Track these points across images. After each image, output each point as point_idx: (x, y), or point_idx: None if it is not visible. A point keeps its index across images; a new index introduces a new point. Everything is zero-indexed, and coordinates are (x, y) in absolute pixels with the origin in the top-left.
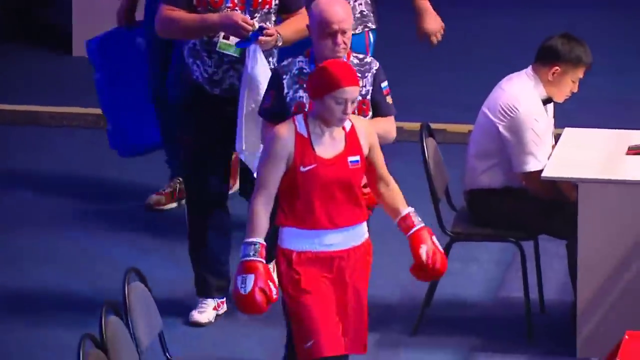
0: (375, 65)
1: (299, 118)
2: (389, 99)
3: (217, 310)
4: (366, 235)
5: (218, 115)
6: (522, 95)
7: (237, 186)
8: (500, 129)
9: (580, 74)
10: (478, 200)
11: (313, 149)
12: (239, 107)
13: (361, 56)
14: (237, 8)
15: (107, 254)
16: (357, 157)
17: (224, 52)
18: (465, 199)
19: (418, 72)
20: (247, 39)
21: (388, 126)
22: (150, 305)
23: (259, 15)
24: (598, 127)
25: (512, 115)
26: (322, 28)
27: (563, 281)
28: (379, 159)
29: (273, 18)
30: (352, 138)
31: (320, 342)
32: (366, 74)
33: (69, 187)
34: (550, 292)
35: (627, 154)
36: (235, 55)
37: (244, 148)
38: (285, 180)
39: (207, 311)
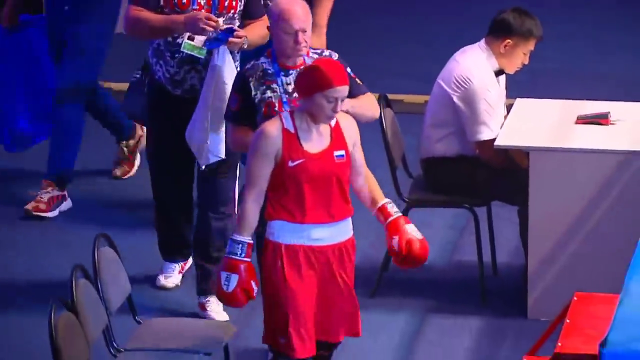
0: (335, 56)
1: (286, 115)
2: (358, 81)
3: (182, 272)
4: (352, 230)
5: (179, 115)
6: (475, 67)
7: None
8: (455, 99)
9: (531, 46)
10: (433, 168)
11: (300, 144)
12: (201, 103)
13: (319, 50)
14: (203, 10)
15: (75, 222)
16: (343, 152)
17: (189, 52)
18: (422, 166)
19: (376, 45)
20: (217, 39)
21: (371, 101)
22: (119, 270)
23: (223, 19)
24: (548, 98)
25: (465, 86)
26: (283, 28)
27: (515, 245)
28: (360, 155)
29: (237, 23)
30: (337, 133)
31: (293, 341)
32: None
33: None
34: (502, 255)
35: (576, 123)
36: (199, 56)
37: (206, 141)
38: (274, 175)
39: (173, 275)
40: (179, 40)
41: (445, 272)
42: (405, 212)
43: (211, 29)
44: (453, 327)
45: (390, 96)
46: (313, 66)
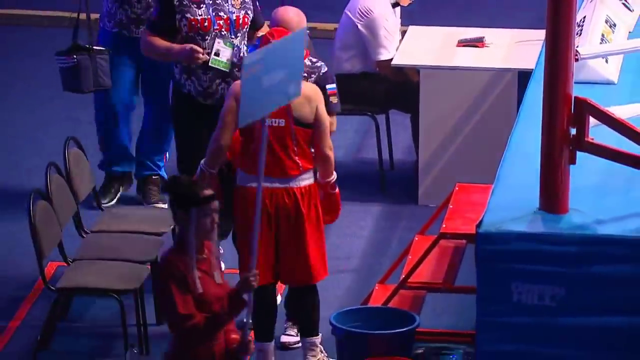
0: (324, 69)
1: None
2: (332, 99)
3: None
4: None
5: (210, 121)
6: (375, 0)
7: None
8: (359, 27)
9: None
10: (342, 82)
11: None
12: None
13: (314, 60)
14: (223, 30)
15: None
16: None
17: (215, 66)
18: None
19: None
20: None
21: (334, 122)
22: (85, 166)
23: (240, 34)
24: (435, 26)
25: (368, 16)
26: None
27: (408, 145)
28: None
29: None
30: None
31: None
32: (312, 75)
33: None
34: (398, 153)
35: (457, 46)
36: (224, 69)
37: None
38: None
39: None
40: (208, 57)
41: (351, 167)
42: None
43: (200, 60)
44: (358, 212)
45: (307, 24)
46: None
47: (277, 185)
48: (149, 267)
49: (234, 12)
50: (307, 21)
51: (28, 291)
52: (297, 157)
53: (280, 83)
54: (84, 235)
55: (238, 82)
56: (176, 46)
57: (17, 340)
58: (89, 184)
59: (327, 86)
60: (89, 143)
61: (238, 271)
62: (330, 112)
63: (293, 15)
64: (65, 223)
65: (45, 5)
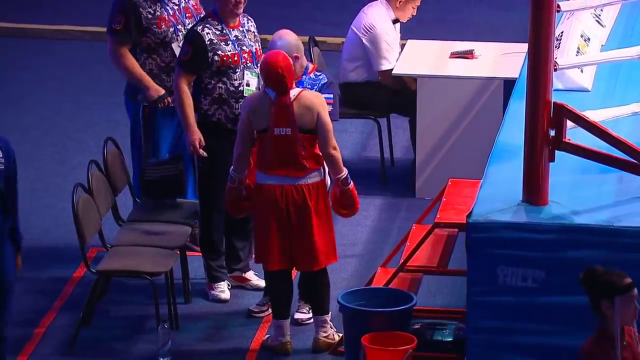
0: (324, 80)
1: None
2: (328, 107)
3: None
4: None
5: (228, 141)
6: (378, 17)
7: None
8: (364, 41)
9: (417, 2)
10: (348, 90)
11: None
12: None
13: (318, 73)
14: (248, 62)
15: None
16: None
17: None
18: (339, 89)
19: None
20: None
21: None
22: (122, 164)
23: (258, 65)
24: (430, 40)
25: (371, 31)
26: None
27: (406, 145)
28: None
29: None
30: None
31: (271, 258)
32: (314, 87)
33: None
34: (397, 152)
35: (450, 57)
36: None
37: None
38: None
39: None
40: (241, 89)
41: (356, 165)
42: None
43: (198, 153)
44: (362, 204)
45: (318, 38)
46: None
47: (287, 183)
48: (178, 252)
49: (252, 45)
50: (318, 36)
51: (71, 273)
52: (304, 160)
53: None
54: (121, 224)
55: (247, 97)
56: (191, 120)
57: (62, 317)
58: (124, 179)
59: (324, 95)
60: (126, 143)
61: (255, 258)
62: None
63: (290, 38)
64: (104, 213)
65: (90, 22)
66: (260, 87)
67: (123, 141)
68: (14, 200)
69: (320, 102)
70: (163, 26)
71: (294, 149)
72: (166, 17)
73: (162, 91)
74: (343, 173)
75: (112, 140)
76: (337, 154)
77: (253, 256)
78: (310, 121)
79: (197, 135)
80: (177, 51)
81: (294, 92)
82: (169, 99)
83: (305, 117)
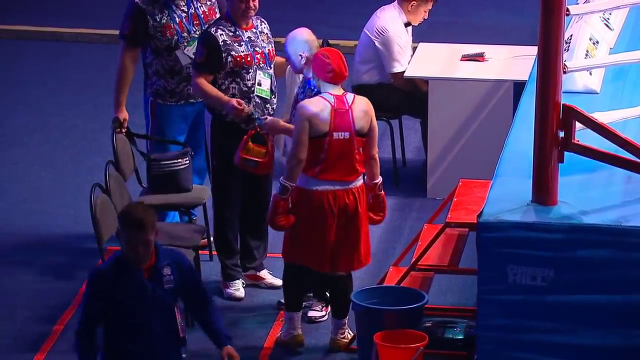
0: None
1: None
2: None
3: None
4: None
5: (241, 141)
6: (390, 20)
7: None
8: (376, 43)
9: (429, 6)
10: (361, 91)
11: None
12: None
13: None
14: (261, 63)
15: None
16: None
17: (260, 95)
18: (352, 90)
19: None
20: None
21: None
22: (130, 150)
23: (272, 65)
24: (441, 43)
25: (384, 34)
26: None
27: (418, 146)
28: None
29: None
30: None
31: (323, 261)
32: (316, 88)
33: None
34: (409, 153)
35: (461, 60)
36: (266, 97)
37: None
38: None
39: None
40: (253, 89)
41: None
42: None
43: (245, 112)
44: None
45: (331, 41)
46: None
47: (339, 187)
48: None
49: (265, 47)
50: (332, 39)
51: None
52: (357, 164)
53: None
54: None
55: (303, 103)
56: (224, 97)
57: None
58: (131, 166)
59: None
60: (142, 143)
61: (285, 256)
62: None
63: (307, 34)
64: None
65: (106, 25)
66: (274, 88)
67: (140, 143)
68: (208, 303)
69: (372, 109)
70: (168, 34)
71: (350, 153)
72: (172, 25)
73: (125, 117)
74: (380, 178)
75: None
76: (378, 158)
77: (281, 254)
78: (365, 125)
79: (233, 100)
80: (181, 58)
81: (349, 96)
82: (122, 128)
83: (362, 121)
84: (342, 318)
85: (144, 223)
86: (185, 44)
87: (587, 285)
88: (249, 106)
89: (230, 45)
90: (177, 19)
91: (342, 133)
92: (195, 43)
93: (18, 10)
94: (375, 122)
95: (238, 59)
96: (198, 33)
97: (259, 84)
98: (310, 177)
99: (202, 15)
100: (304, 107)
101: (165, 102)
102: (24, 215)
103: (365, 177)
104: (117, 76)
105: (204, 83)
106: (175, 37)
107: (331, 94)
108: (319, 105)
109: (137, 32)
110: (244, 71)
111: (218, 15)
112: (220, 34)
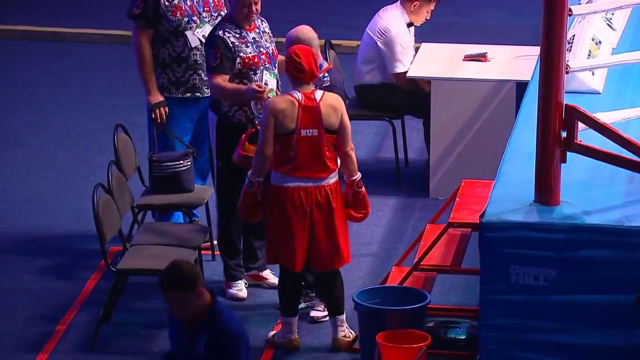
0: (327, 83)
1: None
2: None
3: None
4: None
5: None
6: (392, 21)
7: None
8: (379, 44)
9: (432, 6)
10: (363, 92)
11: None
12: None
13: (326, 75)
14: (266, 63)
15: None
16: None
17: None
18: (355, 91)
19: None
20: None
21: None
22: (132, 149)
23: (276, 65)
24: (444, 43)
25: (386, 35)
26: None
27: (420, 146)
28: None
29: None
30: None
31: (296, 260)
32: (317, 86)
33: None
34: (412, 153)
35: (463, 60)
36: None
37: None
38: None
39: None
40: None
41: (371, 165)
42: None
43: (266, 94)
44: (377, 204)
45: (333, 41)
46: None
47: (311, 184)
48: (195, 251)
49: (269, 47)
50: (334, 39)
51: (92, 272)
52: (328, 161)
53: None
54: (140, 224)
55: (271, 99)
56: (242, 87)
57: (83, 315)
58: (133, 164)
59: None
60: (145, 144)
61: (267, 258)
62: None
63: (308, 32)
64: (124, 213)
65: (109, 25)
66: (279, 89)
67: (142, 142)
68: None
69: (343, 105)
70: (178, 15)
71: (319, 149)
72: (183, 6)
73: (161, 99)
74: (358, 175)
75: (121, 127)
76: (354, 154)
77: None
78: (335, 122)
79: (252, 84)
80: (190, 39)
81: (317, 93)
82: (165, 111)
83: (331, 118)
84: (336, 316)
85: (172, 286)
86: (195, 26)
87: (589, 286)
88: (266, 93)
89: (239, 47)
90: (189, 2)
91: (310, 130)
92: (206, 26)
93: (20, 11)
94: (346, 118)
95: (246, 60)
96: (207, 19)
97: (266, 84)
98: (282, 174)
99: (212, 3)
100: (270, 103)
101: (171, 94)
102: (26, 215)
103: (344, 174)
104: (138, 62)
105: (222, 82)
106: (186, 19)
107: (299, 92)
108: (285, 102)
109: (147, 9)
110: (252, 72)
111: (225, 10)
112: (228, 36)
